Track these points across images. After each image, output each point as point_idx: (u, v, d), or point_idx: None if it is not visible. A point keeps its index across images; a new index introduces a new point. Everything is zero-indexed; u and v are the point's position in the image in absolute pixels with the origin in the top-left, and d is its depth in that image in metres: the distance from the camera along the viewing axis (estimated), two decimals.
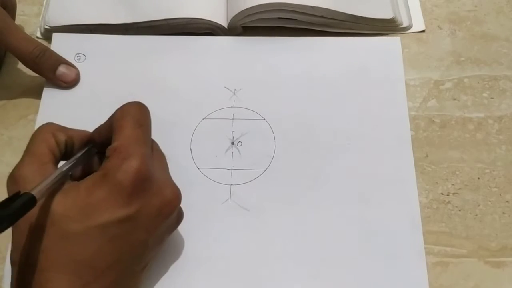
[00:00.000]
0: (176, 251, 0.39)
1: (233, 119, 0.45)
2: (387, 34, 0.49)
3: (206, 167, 0.43)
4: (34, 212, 0.30)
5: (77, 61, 0.48)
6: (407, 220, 0.40)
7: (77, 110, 0.46)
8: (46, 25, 0.50)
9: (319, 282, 0.38)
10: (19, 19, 0.50)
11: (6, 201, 0.27)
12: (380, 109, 0.45)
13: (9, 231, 0.41)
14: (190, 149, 0.44)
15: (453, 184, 0.42)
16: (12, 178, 0.33)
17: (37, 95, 0.47)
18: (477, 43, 0.49)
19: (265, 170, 0.43)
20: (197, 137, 0.44)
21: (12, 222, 0.27)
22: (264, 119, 0.45)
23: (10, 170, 0.44)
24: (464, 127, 0.45)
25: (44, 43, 0.49)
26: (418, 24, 0.50)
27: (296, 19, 0.48)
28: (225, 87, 0.47)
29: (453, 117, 0.45)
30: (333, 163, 0.42)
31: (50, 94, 0.47)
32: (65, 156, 0.36)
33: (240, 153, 0.43)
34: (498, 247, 0.40)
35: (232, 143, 0.44)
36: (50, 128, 0.35)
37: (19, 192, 0.28)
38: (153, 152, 0.36)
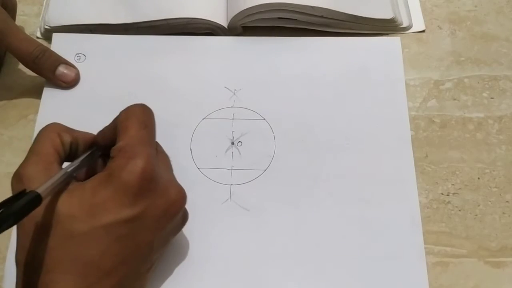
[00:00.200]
0: (175, 251, 0.39)
1: (233, 119, 0.45)
2: (387, 34, 0.49)
3: (206, 167, 0.43)
4: (39, 212, 0.30)
5: (77, 61, 0.48)
6: (407, 220, 0.40)
7: (77, 110, 0.46)
8: (46, 25, 0.50)
9: (319, 282, 0.38)
10: (19, 19, 0.50)
11: (11, 198, 0.27)
12: (380, 109, 0.45)
13: (9, 231, 0.41)
14: (190, 149, 0.44)
15: (453, 184, 0.42)
16: (17, 176, 0.33)
17: (37, 95, 0.47)
18: (477, 43, 0.49)
19: (265, 170, 0.43)
20: (197, 137, 0.44)
21: (17, 219, 0.27)
22: (264, 119, 0.45)
23: (10, 170, 0.44)
24: (464, 127, 0.45)
25: (44, 43, 0.49)
26: (418, 24, 0.50)
27: (296, 19, 0.48)
28: (225, 87, 0.47)
29: (453, 117, 0.45)
30: (333, 163, 0.42)
31: (50, 94, 0.47)
32: (69, 157, 0.36)
33: (240, 153, 0.44)
34: (498, 247, 0.40)
35: (232, 143, 0.44)
36: (56, 128, 0.36)
37: (25, 190, 0.28)
38: (158, 153, 0.36)
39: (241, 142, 0.44)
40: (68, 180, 0.33)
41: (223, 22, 0.49)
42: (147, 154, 0.33)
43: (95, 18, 0.50)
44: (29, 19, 0.52)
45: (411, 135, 0.44)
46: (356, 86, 0.46)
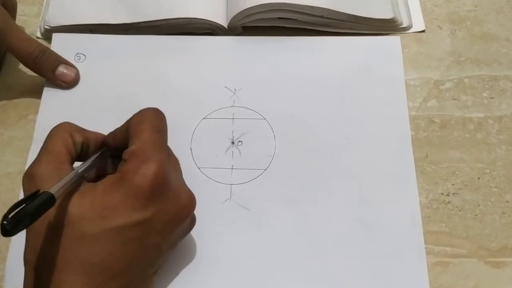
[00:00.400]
0: (175, 250, 0.39)
1: (233, 118, 0.45)
2: (387, 34, 0.49)
3: (206, 166, 0.43)
4: (50, 212, 0.30)
5: (77, 61, 0.48)
6: (407, 220, 0.40)
7: (77, 110, 0.46)
8: (46, 25, 0.50)
9: (319, 281, 0.38)
10: (19, 19, 0.50)
11: (25, 199, 0.27)
12: (380, 109, 0.45)
13: None
14: (190, 148, 0.44)
15: (453, 184, 0.42)
16: (29, 175, 0.33)
17: (37, 95, 0.47)
18: (477, 43, 0.49)
19: (265, 169, 0.43)
20: (197, 136, 0.44)
21: (32, 220, 0.27)
22: (264, 118, 0.45)
23: (10, 170, 0.44)
24: (464, 127, 0.45)
25: (44, 43, 0.49)
26: (418, 24, 0.50)
27: (296, 19, 0.48)
28: (225, 86, 0.47)
29: (453, 117, 0.45)
30: (333, 163, 0.42)
31: (50, 94, 0.47)
32: (80, 157, 0.36)
33: (240, 153, 0.43)
34: (498, 247, 0.40)
35: (232, 143, 0.44)
36: (67, 127, 0.36)
37: (38, 190, 0.28)
38: (169, 157, 0.36)
39: (241, 141, 0.44)
40: (80, 180, 0.33)
41: (223, 22, 0.49)
42: (159, 158, 0.33)
43: (95, 18, 0.50)
44: (29, 19, 0.52)
45: (411, 135, 0.44)
46: (356, 86, 0.46)
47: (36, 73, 0.47)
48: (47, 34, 0.50)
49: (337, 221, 0.40)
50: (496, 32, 0.49)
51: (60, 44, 0.49)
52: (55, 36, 0.49)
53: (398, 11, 0.49)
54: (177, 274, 0.39)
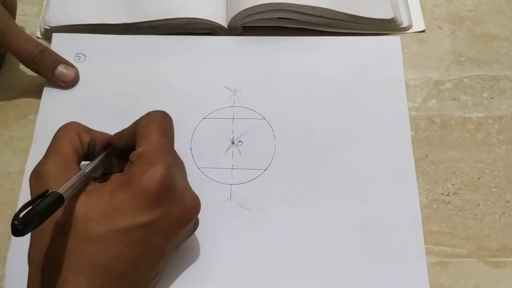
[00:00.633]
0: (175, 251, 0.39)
1: (233, 118, 0.45)
2: (387, 34, 0.49)
3: (206, 166, 0.43)
4: (56, 211, 0.30)
5: (77, 61, 0.48)
6: (407, 220, 0.40)
7: (77, 110, 0.46)
8: (46, 25, 0.50)
9: (319, 281, 0.38)
10: (19, 19, 0.50)
11: (35, 199, 0.27)
12: (380, 109, 0.45)
13: (9, 232, 0.41)
14: (190, 148, 0.44)
15: (453, 184, 0.42)
16: (37, 174, 0.33)
17: (37, 95, 0.47)
18: (477, 43, 0.49)
19: (265, 169, 0.43)
20: (197, 136, 0.44)
21: (42, 220, 0.27)
22: (264, 118, 0.45)
23: (10, 170, 0.44)
24: (464, 127, 0.45)
25: (44, 43, 0.49)
26: (418, 24, 0.50)
27: (296, 19, 0.48)
28: (225, 86, 0.47)
29: (453, 117, 0.45)
30: (333, 163, 0.42)
31: (50, 94, 0.47)
32: (86, 156, 0.36)
33: (240, 153, 0.43)
34: (498, 247, 0.40)
35: (232, 143, 0.44)
36: (75, 127, 0.36)
37: (47, 190, 0.28)
38: (175, 160, 0.36)
39: (241, 141, 0.44)
40: (87, 180, 0.33)
41: (223, 22, 0.49)
42: (166, 161, 0.33)
43: (95, 18, 0.50)
44: (29, 19, 0.52)
45: (411, 135, 0.44)
46: (356, 86, 0.46)
47: (36, 73, 0.47)
48: (47, 34, 0.50)
49: (337, 221, 0.40)
50: (496, 32, 0.49)
51: (60, 44, 0.49)
52: (55, 36, 0.49)
53: (398, 11, 0.49)
54: (177, 273, 0.39)
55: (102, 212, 0.31)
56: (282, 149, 0.43)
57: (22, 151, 0.45)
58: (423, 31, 0.49)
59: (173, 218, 0.33)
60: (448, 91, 0.46)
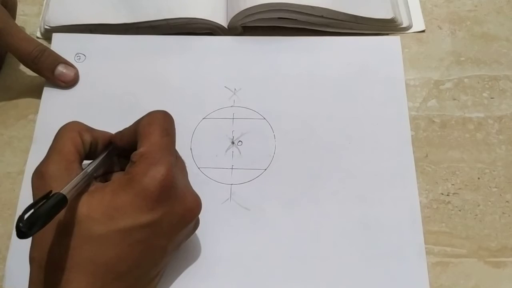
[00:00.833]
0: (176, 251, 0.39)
1: (233, 118, 0.45)
2: (387, 34, 0.49)
3: (206, 166, 0.43)
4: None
5: (77, 61, 0.48)
6: (407, 220, 0.40)
7: (77, 110, 0.46)
8: (46, 25, 0.50)
9: (320, 281, 0.38)
10: (19, 19, 0.50)
11: (38, 201, 0.28)
12: (380, 109, 0.45)
13: (9, 232, 0.41)
14: (190, 148, 0.44)
15: (453, 184, 0.42)
16: (39, 174, 0.33)
17: (37, 95, 0.47)
18: (477, 43, 0.49)
19: (265, 169, 0.43)
20: (197, 136, 0.44)
21: (46, 222, 0.27)
22: (264, 118, 0.45)
23: (10, 170, 0.44)
24: (464, 127, 0.45)
25: (44, 43, 0.49)
26: (418, 24, 0.50)
27: (296, 19, 0.48)
28: (225, 86, 0.47)
29: (453, 117, 0.45)
30: (333, 163, 0.42)
31: (50, 94, 0.47)
32: (88, 156, 0.36)
33: (240, 153, 0.43)
34: (498, 247, 0.40)
35: (232, 143, 0.44)
36: (77, 127, 0.36)
37: (50, 191, 0.29)
38: (176, 160, 0.36)
39: (241, 141, 0.44)
40: (89, 180, 0.33)
41: (223, 22, 0.49)
42: (168, 161, 0.33)
43: (95, 18, 0.50)
44: (29, 19, 0.52)
45: (411, 135, 0.44)
46: (356, 86, 0.46)
47: (36, 73, 0.47)
48: (47, 34, 0.50)
49: (337, 221, 0.40)
50: (496, 32, 0.49)
51: (60, 44, 0.49)
52: (55, 36, 0.49)
53: (398, 11, 0.49)
54: (177, 273, 0.39)
55: (104, 212, 0.31)
56: (282, 149, 0.43)
57: (22, 151, 0.45)
58: (423, 31, 0.49)
59: (174, 218, 0.33)
60: (448, 91, 0.46)
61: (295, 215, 0.41)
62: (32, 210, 0.27)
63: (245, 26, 0.49)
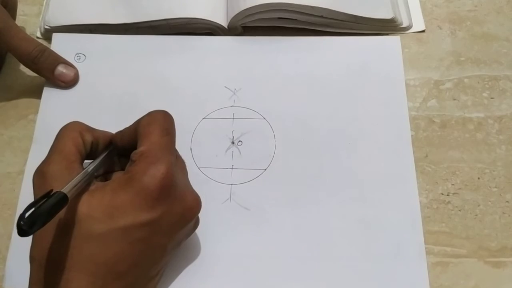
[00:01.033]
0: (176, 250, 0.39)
1: (233, 118, 0.45)
2: (387, 34, 0.49)
3: (206, 166, 0.43)
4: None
5: (77, 61, 0.48)
6: (407, 220, 0.40)
7: (77, 110, 0.46)
8: (46, 25, 0.50)
9: (320, 281, 0.38)
10: (19, 19, 0.50)
11: (39, 199, 0.28)
12: (380, 109, 0.45)
13: (9, 232, 0.41)
14: (190, 148, 0.44)
15: (453, 184, 0.42)
16: (40, 173, 0.33)
17: (37, 95, 0.47)
18: (477, 43, 0.49)
19: (265, 169, 0.43)
20: (197, 136, 0.44)
21: (47, 220, 0.27)
22: (264, 118, 0.45)
23: (10, 170, 0.44)
24: (464, 127, 0.45)
25: (44, 43, 0.49)
26: (418, 24, 0.50)
27: (296, 19, 0.48)
28: (225, 86, 0.47)
29: (453, 117, 0.45)
30: (333, 163, 0.42)
31: (50, 94, 0.47)
32: (89, 155, 0.36)
33: (240, 153, 0.43)
34: (498, 247, 0.40)
35: (232, 143, 0.44)
36: (77, 127, 0.36)
37: (51, 190, 0.29)
38: (176, 160, 0.36)
39: (241, 141, 0.44)
40: (90, 179, 0.33)
41: (223, 22, 0.49)
42: (168, 160, 0.33)
43: (95, 18, 0.50)
44: (29, 19, 0.52)
45: (411, 135, 0.44)
46: (356, 86, 0.46)
47: (36, 73, 0.47)
48: (47, 34, 0.50)
49: (337, 221, 0.40)
50: (496, 32, 0.49)
51: (60, 44, 0.49)
52: (55, 36, 0.49)
53: (398, 11, 0.49)
54: (177, 273, 0.39)
55: (104, 211, 0.31)
56: (282, 149, 0.43)
57: (22, 151, 0.45)
58: (423, 31, 0.49)
59: (174, 216, 0.34)
60: (448, 91, 0.46)
61: (295, 215, 0.41)
62: (33, 209, 0.27)
63: (245, 26, 0.49)
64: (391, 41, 0.48)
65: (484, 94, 0.46)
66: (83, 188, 0.32)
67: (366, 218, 0.40)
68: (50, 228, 0.31)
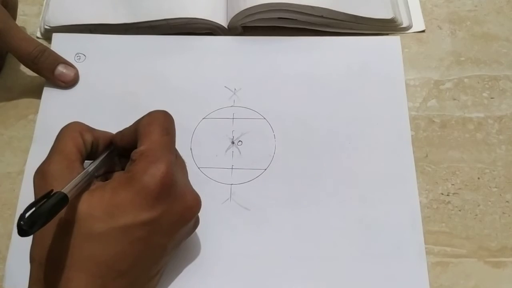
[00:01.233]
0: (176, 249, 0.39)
1: (233, 118, 0.45)
2: (387, 34, 0.49)
3: (206, 166, 0.43)
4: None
5: (77, 61, 0.48)
6: (407, 220, 0.40)
7: (77, 110, 0.46)
8: (46, 25, 0.50)
9: (320, 281, 0.38)
10: (19, 19, 0.50)
11: (40, 199, 0.28)
12: (380, 109, 0.45)
13: (9, 232, 0.41)
14: (190, 148, 0.44)
15: (453, 184, 0.42)
16: (41, 174, 0.33)
17: (37, 95, 0.47)
18: (477, 43, 0.49)
19: (265, 169, 0.43)
20: (197, 136, 0.44)
21: (47, 220, 0.27)
22: (264, 118, 0.45)
23: (10, 170, 0.44)
24: (464, 127, 0.45)
25: (44, 43, 0.49)
26: (418, 24, 0.50)
27: (296, 19, 0.48)
28: (225, 86, 0.47)
29: (453, 117, 0.45)
30: (333, 163, 0.42)
31: (50, 94, 0.47)
32: (89, 156, 0.37)
33: (240, 153, 0.43)
34: (498, 247, 0.40)
35: (232, 143, 0.44)
36: (78, 127, 0.36)
37: (52, 190, 0.29)
38: (176, 159, 0.36)
39: (241, 141, 0.44)
40: (90, 179, 0.34)
41: (223, 22, 0.49)
42: (168, 160, 0.33)
43: (95, 18, 0.50)
44: (29, 19, 0.52)
45: (411, 135, 0.44)
46: (356, 86, 0.46)
47: (36, 73, 0.47)
48: (47, 34, 0.50)
49: (337, 221, 0.40)
50: (496, 32, 0.49)
51: (60, 44, 0.49)
52: (55, 36, 0.49)
53: (398, 11, 0.49)
54: (177, 273, 0.39)
55: (104, 210, 0.31)
56: (282, 149, 0.43)
57: (22, 151, 0.45)
58: (423, 31, 0.49)
59: (174, 216, 0.34)
60: (448, 91, 0.46)
61: (295, 215, 0.41)
62: (33, 209, 0.27)
63: (245, 26, 0.49)
64: (391, 41, 0.48)
65: (484, 94, 0.46)
66: (84, 188, 0.32)
67: (366, 218, 0.40)
68: (50, 227, 0.31)
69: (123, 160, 0.38)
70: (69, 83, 0.47)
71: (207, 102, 0.46)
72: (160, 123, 0.35)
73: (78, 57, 0.48)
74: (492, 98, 0.46)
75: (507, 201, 0.41)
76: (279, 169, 0.43)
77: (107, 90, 0.47)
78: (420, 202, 0.41)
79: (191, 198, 0.35)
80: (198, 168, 0.43)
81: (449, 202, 0.41)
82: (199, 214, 0.37)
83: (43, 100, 0.47)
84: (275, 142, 0.44)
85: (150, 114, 0.36)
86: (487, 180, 0.42)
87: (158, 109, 0.37)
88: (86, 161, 0.36)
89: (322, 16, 0.47)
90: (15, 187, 0.43)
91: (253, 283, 0.39)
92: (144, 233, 0.32)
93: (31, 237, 0.32)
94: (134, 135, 0.35)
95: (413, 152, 0.43)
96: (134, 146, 0.35)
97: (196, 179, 0.40)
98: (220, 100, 0.46)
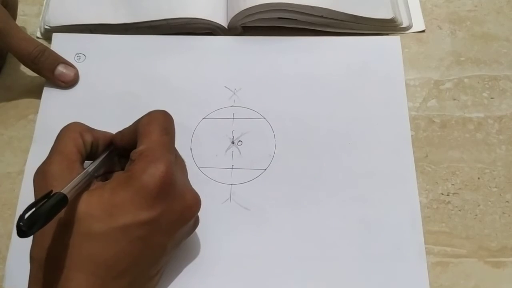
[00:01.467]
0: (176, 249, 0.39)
1: (233, 118, 0.45)
2: (387, 34, 0.49)
3: (206, 166, 0.43)
4: None
5: (77, 61, 0.48)
6: (407, 220, 0.40)
7: (77, 110, 0.46)
8: (46, 25, 0.50)
9: (320, 281, 0.38)
10: (19, 19, 0.50)
11: (39, 200, 0.28)
12: (380, 109, 0.45)
13: (9, 231, 0.41)
14: (190, 148, 0.44)
15: (453, 184, 0.42)
16: (41, 174, 0.33)
17: (37, 95, 0.47)
18: (477, 43, 0.49)
19: (265, 169, 0.43)
20: (197, 136, 0.44)
21: (47, 221, 0.27)
22: (264, 118, 0.45)
23: (10, 170, 0.44)
24: (464, 127, 0.45)
25: (44, 43, 0.49)
26: (418, 24, 0.50)
27: (296, 19, 0.48)
28: (225, 86, 0.47)
29: (453, 117, 0.45)
30: (333, 163, 0.42)
31: (50, 94, 0.47)
32: (89, 156, 0.37)
33: (240, 153, 0.43)
34: (498, 247, 0.40)
35: (232, 143, 0.44)
36: (78, 127, 0.36)
37: (51, 191, 0.29)
38: (176, 159, 0.36)
39: (241, 141, 0.44)
40: (90, 180, 0.34)
41: (223, 22, 0.49)
42: (167, 159, 0.33)
43: (95, 18, 0.50)
44: (29, 19, 0.52)
45: (411, 135, 0.44)
46: (356, 86, 0.46)
47: (36, 73, 0.47)
48: (47, 34, 0.50)
49: (337, 221, 0.40)
50: (496, 32, 0.49)
51: (60, 44, 0.49)
52: (55, 36, 0.49)
53: (398, 11, 0.49)
54: (177, 273, 0.39)
55: (103, 210, 0.31)
56: (282, 149, 0.43)
57: (22, 151, 0.45)
58: (423, 31, 0.49)
59: (173, 215, 0.34)
60: (448, 91, 0.46)
61: (295, 215, 0.41)
62: (33, 209, 0.27)
63: (245, 26, 0.49)
64: (391, 41, 0.48)
65: (484, 94, 0.46)
66: (83, 188, 0.32)
67: (366, 218, 0.40)
68: (50, 227, 0.31)
69: (123, 160, 0.38)
70: (69, 83, 0.47)
71: (207, 102, 0.46)
72: (160, 123, 0.35)
73: (78, 57, 0.48)
74: (492, 98, 0.46)
75: (507, 201, 0.41)
76: (279, 169, 0.43)
77: (107, 90, 0.47)
78: (420, 202, 0.41)
79: (191, 197, 0.35)
80: (198, 168, 0.43)
81: (449, 202, 0.41)
82: (199, 214, 0.37)
83: (43, 100, 0.47)
84: (275, 142, 0.44)
85: (149, 114, 0.36)
86: (487, 180, 0.42)
87: (158, 109, 0.37)
88: (86, 161, 0.36)
89: (322, 16, 0.47)
90: (15, 187, 0.43)
91: (253, 283, 0.39)
92: (143, 232, 0.32)
93: (31, 237, 0.32)
94: (134, 135, 0.35)
95: (413, 152, 0.43)
96: (134, 146, 0.35)
97: (196, 179, 0.40)
98: (220, 100, 0.46)
